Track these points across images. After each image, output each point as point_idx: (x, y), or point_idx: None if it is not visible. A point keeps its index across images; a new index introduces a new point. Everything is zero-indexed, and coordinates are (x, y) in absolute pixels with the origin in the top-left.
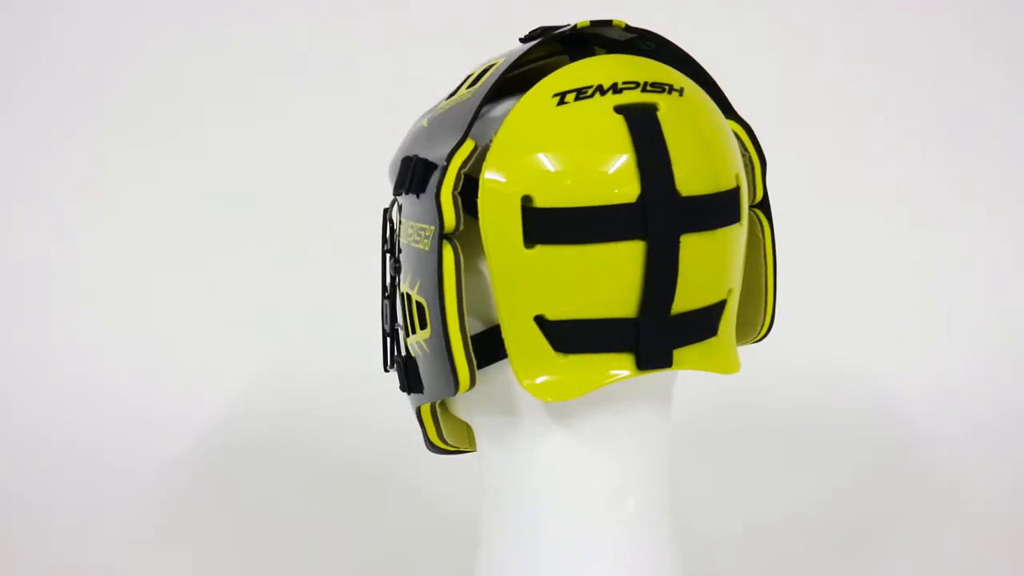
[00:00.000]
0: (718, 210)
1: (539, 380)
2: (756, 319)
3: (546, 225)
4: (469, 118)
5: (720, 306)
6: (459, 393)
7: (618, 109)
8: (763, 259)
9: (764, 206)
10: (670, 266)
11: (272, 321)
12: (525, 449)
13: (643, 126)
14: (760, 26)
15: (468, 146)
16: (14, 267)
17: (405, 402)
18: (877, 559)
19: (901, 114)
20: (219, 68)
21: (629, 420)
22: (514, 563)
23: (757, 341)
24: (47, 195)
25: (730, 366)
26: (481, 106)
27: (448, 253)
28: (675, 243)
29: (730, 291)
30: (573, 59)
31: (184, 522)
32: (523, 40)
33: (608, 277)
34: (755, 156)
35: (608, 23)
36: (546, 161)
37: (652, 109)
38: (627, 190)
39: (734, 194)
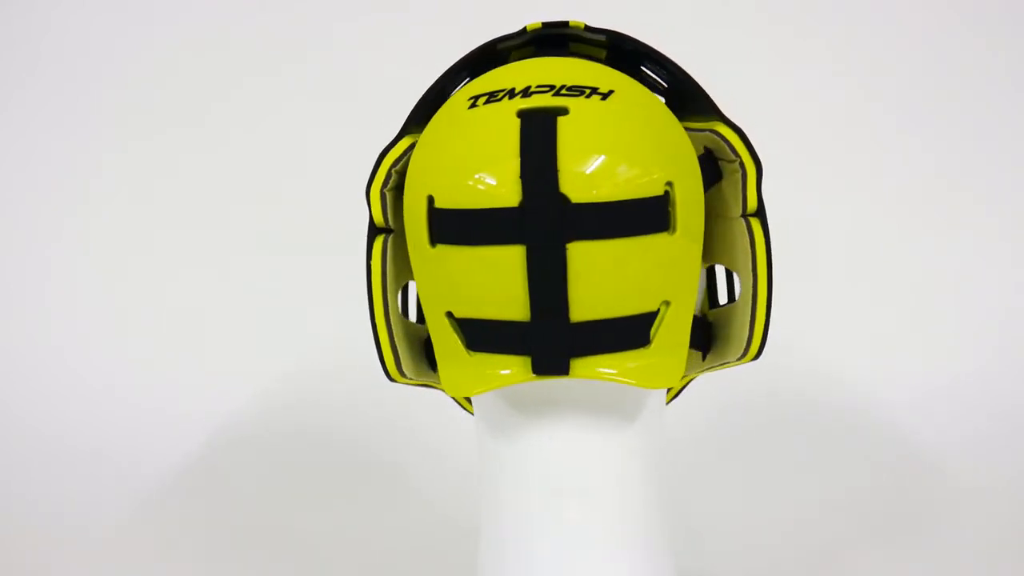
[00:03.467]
0: (629, 218)
1: (450, 373)
2: (741, 336)
3: (443, 225)
4: (406, 117)
5: (649, 317)
6: (395, 382)
7: (519, 113)
8: (752, 273)
9: (759, 216)
10: (554, 273)
11: (271, 323)
12: (478, 444)
13: (534, 130)
14: (760, 26)
15: (402, 144)
16: (34, 263)
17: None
18: (880, 560)
19: (899, 114)
20: (225, 67)
21: (556, 428)
22: (481, 556)
23: (748, 361)
24: (57, 193)
25: (658, 379)
26: (424, 106)
27: (376, 248)
28: (559, 250)
29: (666, 302)
30: None
31: (179, 523)
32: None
33: (496, 280)
34: (749, 162)
35: (565, 24)
36: (447, 162)
37: (554, 113)
38: (509, 195)
39: (658, 202)
